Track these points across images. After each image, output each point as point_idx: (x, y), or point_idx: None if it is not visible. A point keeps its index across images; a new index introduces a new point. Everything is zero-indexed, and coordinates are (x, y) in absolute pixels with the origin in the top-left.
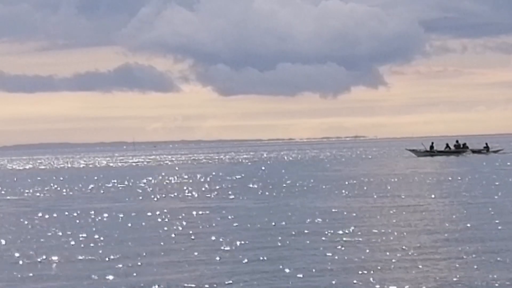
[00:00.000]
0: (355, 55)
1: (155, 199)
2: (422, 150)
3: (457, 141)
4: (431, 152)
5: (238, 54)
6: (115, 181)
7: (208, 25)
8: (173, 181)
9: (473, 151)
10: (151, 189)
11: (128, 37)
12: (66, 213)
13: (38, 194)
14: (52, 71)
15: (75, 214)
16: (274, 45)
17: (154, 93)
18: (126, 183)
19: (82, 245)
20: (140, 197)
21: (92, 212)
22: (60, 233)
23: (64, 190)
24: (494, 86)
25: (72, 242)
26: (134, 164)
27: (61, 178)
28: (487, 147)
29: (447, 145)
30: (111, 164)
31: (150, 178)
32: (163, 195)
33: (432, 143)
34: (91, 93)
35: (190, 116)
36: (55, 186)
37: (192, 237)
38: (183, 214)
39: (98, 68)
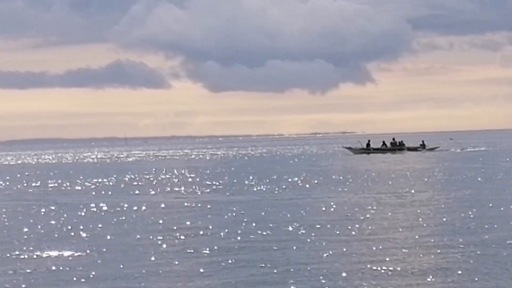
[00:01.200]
0: (343, 52)
1: (148, 193)
2: (358, 147)
3: (393, 139)
4: (367, 149)
5: (228, 51)
6: (109, 175)
7: (198, 23)
8: (164, 176)
9: (409, 149)
10: (141, 183)
11: (119, 34)
12: (52, 207)
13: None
14: (44, 68)
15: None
16: (263, 42)
17: (145, 90)
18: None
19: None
20: (135, 191)
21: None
22: (43, 225)
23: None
24: (480, 83)
25: (55, 235)
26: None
27: (51, 173)
28: (423, 145)
29: (384, 143)
30: (96, 160)
31: (143, 172)
32: (156, 190)
33: (369, 140)
34: (83, 89)
35: (181, 112)
36: (41, 181)
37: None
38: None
39: (90, 65)
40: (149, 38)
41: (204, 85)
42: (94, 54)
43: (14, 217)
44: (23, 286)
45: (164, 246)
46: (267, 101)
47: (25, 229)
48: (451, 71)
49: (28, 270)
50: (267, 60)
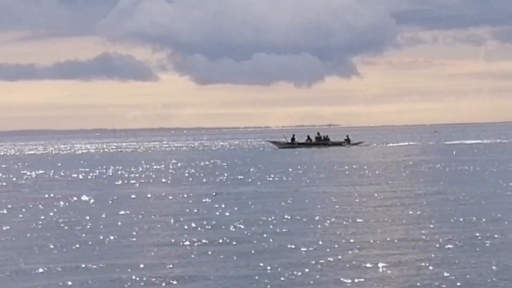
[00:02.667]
0: (329, 46)
1: (135, 184)
2: (284, 142)
3: (318, 133)
4: (292, 144)
5: (215, 44)
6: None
7: (185, 16)
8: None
9: (334, 144)
10: (131, 175)
11: (107, 27)
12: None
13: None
14: (33, 60)
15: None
16: (249, 36)
17: (133, 82)
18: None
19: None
20: (120, 183)
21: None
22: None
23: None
24: (464, 77)
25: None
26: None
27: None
28: (348, 140)
29: (308, 137)
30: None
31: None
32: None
33: (294, 135)
34: (72, 81)
35: (169, 105)
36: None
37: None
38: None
39: (78, 57)
40: (137, 31)
41: (191, 78)
42: (82, 47)
43: None
44: None
45: (153, 236)
46: (254, 93)
47: None
48: (435, 65)
49: None
50: (253, 53)
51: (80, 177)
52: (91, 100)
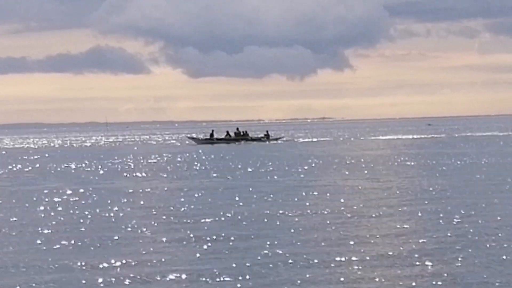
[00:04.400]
0: (321, 39)
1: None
2: (202, 137)
3: (237, 129)
4: (211, 140)
5: (207, 37)
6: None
7: (177, 9)
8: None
9: (253, 139)
10: (120, 168)
11: (99, 20)
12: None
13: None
14: (25, 53)
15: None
16: (241, 29)
17: (125, 75)
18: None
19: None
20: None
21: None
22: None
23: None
24: (458, 69)
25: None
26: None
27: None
28: (267, 135)
29: (227, 133)
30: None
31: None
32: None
33: (212, 130)
34: (63, 74)
35: (162, 98)
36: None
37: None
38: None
39: (70, 50)
40: (129, 24)
41: (183, 71)
42: (73, 40)
43: None
44: None
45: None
46: (246, 86)
47: None
48: (429, 58)
49: None
50: (245, 46)
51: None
52: (83, 93)
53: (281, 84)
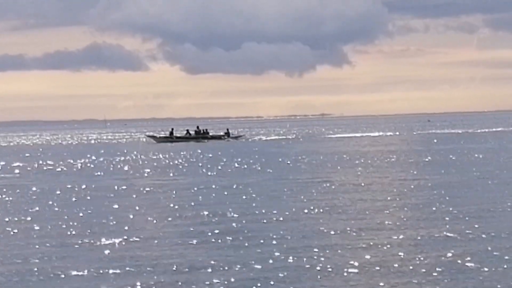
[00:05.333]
0: (320, 35)
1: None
2: (162, 136)
3: (197, 127)
4: (170, 138)
5: (204, 34)
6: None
7: (175, 5)
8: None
9: (213, 137)
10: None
11: (96, 17)
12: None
13: None
14: (22, 50)
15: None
16: (239, 25)
17: (123, 72)
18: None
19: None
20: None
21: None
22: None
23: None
24: (457, 65)
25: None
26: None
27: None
28: (228, 133)
29: (188, 131)
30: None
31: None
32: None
33: (172, 129)
34: (61, 71)
35: (160, 94)
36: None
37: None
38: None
39: (68, 47)
40: (126, 21)
41: (181, 68)
42: (71, 37)
43: None
44: None
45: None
46: (245, 83)
47: None
48: (427, 54)
49: None
50: (243, 42)
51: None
52: (81, 90)
53: (279, 80)
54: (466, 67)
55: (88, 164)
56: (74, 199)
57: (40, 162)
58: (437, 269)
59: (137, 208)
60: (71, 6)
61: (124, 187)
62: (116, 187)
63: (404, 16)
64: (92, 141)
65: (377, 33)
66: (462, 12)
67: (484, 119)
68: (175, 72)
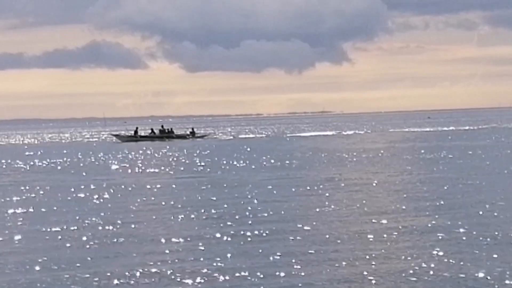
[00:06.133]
0: (319, 32)
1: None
2: (126, 135)
3: (162, 126)
4: (135, 137)
5: (204, 32)
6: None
7: (174, 3)
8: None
9: (178, 136)
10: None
11: (95, 15)
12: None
13: None
14: (22, 49)
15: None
16: (239, 23)
17: (122, 70)
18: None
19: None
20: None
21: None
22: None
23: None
24: (457, 62)
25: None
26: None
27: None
28: (193, 132)
29: (152, 130)
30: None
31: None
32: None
33: (137, 128)
34: (60, 70)
35: (160, 92)
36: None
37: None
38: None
39: (67, 46)
40: (125, 19)
41: (180, 66)
42: (70, 35)
43: None
44: None
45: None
46: (245, 81)
47: None
48: (427, 51)
49: None
50: (242, 40)
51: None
52: (81, 88)
53: (279, 78)
54: (466, 64)
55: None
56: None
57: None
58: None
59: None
60: (70, 4)
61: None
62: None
63: (403, 13)
64: (63, 141)
65: (376, 30)
66: (462, 9)
67: (480, 116)
68: (174, 70)
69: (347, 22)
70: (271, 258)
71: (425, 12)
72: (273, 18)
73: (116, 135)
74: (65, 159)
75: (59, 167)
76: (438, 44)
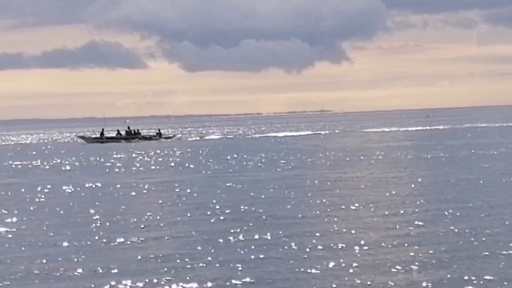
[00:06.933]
0: (318, 31)
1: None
2: (92, 136)
3: (128, 127)
4: (101, 138)
5: (203, 31)
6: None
7: (173, 3)
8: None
9: (145, 138)
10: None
11: (94, 15)
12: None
13: None
14: (21, 49)
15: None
16: (237, 22)
17: (122, 70)
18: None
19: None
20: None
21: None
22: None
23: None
24: (456, 60)
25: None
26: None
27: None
28: (159, 133)
29: (118, 132)
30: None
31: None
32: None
33: (103, 129)
34: (60, 70)
35: (159, 92)
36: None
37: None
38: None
39: (66, 46)
40: (124, 19)
41: (180, 65)
42: (69, 35)
43: None
44: None
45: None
46: (244, 80)
47: None
48: (426, 49)
49: None
50: (241, 39)
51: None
52: (80, 88)
53: (278, 77)
54: (466, 62)
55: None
56: None
57: None
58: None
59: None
60: (69, 4)
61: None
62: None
63: (402, 12)
64: (29, 142)
65: (375, 29)
66: (460, 7)
67: (476, 114)
68: (174, 69)
69: (346, 21)
70: None
71: (424, 11)
72: (272, 17)
73: (81, 137)
74: (19, 162)
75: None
76: (437, 42)
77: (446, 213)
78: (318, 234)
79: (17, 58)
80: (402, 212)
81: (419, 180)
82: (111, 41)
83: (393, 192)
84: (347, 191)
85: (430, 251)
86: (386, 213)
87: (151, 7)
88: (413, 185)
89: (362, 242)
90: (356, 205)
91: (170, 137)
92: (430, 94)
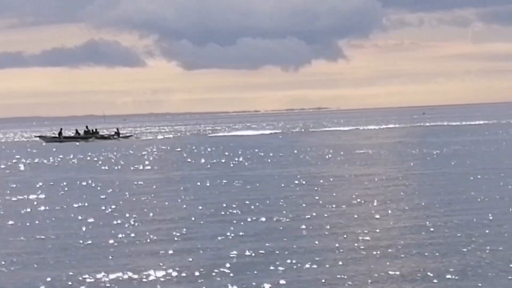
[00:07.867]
0: (315, 29)
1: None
2: (50, 136)
3: (86, 127)
4: (59, 138)
5: (200, 30)
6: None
7: (171, 2)
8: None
9: (103, 137)
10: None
11: (93, 14)
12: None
13: None
14: (21, 48)
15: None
16: (235, 21)
17: (121, 68)
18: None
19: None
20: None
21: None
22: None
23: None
24: (452, 58)
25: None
26: None
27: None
28: (118, 133)
29: (77, 131)
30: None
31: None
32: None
33: (61, 129)
34: (59, 68)
35: (158, 90)
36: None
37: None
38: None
39: (65, 44)
40: (123, 18)
41: (178, 64)
42: (68, 34)
43: None
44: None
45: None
46: (241, 78)
47: None
48: (422, 47)
49: None
50: (238, 38)
51: None
52: (80, 86)
53: (275, 75)
54: (461, 60)
55: None
56: None
57: None
58: None
59: None
60: (68, 3)
61: None
62: None
63: (398, 10)
64: None
65: (371, 27)
66: (455, 5)
67: (473, 112)
68: (172, 67)
69: (343, 19)
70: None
71: (420, 9)
72: (269, 15)
73: (39, 136)
74: None
75: None
76: (432, 40)
77: (438, 206)
78: (309, 235)
79: (17, 57)
80: (395, 206)
81: (414, 176)
82: (110, 40)
83: (388, 188)
84: (338, 188)
85: (426, 244)
86: (382, 208)
87: (149, 6)
88: (406, 182)
89: (360, 235)
90: (354, 202)
91: (128, 136)
92: (426, 91)
